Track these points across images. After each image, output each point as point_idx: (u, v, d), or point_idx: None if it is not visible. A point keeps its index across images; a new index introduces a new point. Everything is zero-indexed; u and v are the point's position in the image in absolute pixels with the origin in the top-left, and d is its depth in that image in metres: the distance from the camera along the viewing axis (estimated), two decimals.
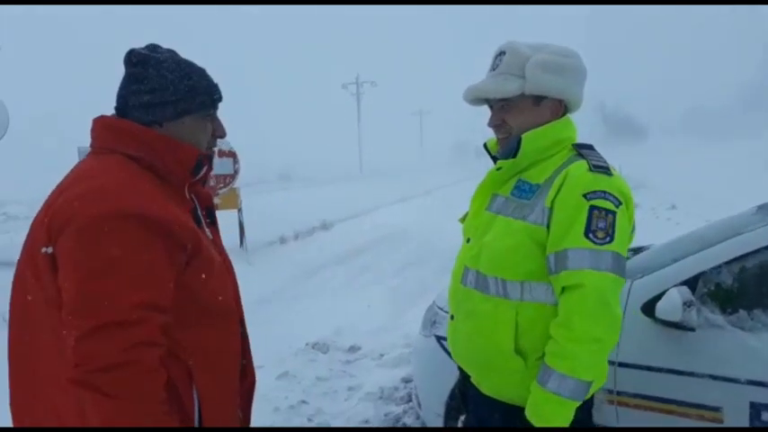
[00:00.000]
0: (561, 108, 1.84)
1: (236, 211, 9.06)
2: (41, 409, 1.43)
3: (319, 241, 10.10)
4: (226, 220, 9.52)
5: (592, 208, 1.65)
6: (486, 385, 1.90)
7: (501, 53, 1.85)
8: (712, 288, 2.51)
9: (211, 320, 1.50)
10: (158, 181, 1.47)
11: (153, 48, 1.54)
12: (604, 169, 1.72)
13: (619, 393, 2.53)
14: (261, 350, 4.84)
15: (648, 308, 2.51)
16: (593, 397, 1.89)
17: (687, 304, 2.34)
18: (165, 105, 1.49)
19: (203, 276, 1.48)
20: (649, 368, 2.48)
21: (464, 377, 2.07)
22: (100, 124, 1.51)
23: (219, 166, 8.85)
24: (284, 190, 21.62)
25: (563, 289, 1.67)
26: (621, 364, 2.52)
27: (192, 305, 1.42)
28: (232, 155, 8.93)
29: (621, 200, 1.69)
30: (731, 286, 2.49)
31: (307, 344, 5.04)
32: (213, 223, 1.69)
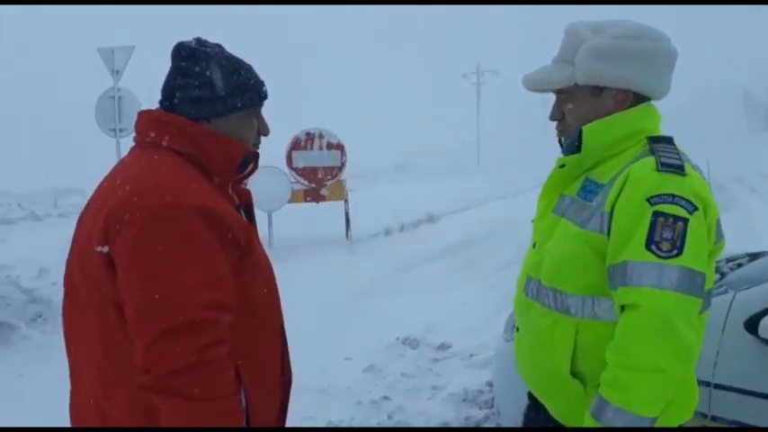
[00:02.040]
0: (628, 98, 1.56)
1: (342, 202, 9.25)
2: (86, 408, 1.45)
3: (424, 234, 10.05)
4: (333, 211, 9.76)
5: (656, 214, 1.40)
6: (549, 407, 1.72)
7: (565, 34, 1.63)
8: None
9: (257, 320, 1.49)
10: (205, 177, 1.46)
11: (201, 42, 1.53)
12: (676, 168, 1.45)
13: (714, 419, 2.27)
14: (351, 342, 4.96)
15: (752, 324, 2.22)
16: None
17: None
18: (214, 101, 1.47)
19: (253, 274, 1.47)
20: (750, 393, 2.19)
21: None
22: (146, 118, 1.50)
23: (327, 158, 9.07)
24: (397, 182, 21.81)
25: (622, 308, 1.45)
26: (718, 386, 2.26)
27: (242, 304, 1.40)
28: (340, 147, 9.13)
29: (697, 204, 1.42)
30: None
31: (397, 338, 5.02)
32: (252, 222, 1.66)
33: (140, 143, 1.51)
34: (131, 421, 1.35)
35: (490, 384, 4.02)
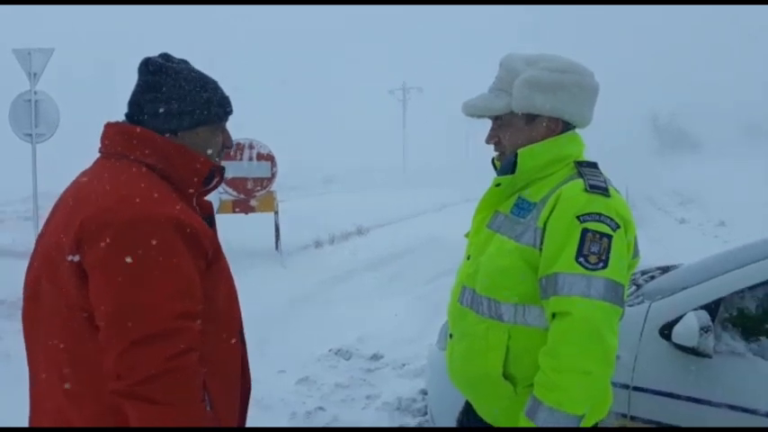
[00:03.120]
0: (558, 126, 1.74)
1: (272, 213, 9.18)
2: (45, 414, 1.45)
3: (354, 247, 10.12)
4: (262, 222, 9.63)
5: (585, 231, 1.55)
6: (481, 410, 1.85)
7: (500, 66, 1.80)
8: (734, 313, 2.41)
9: (221, 327, 1.52)
10: (172, 189, 1.50)
11: (168, 57, 1.57)
12: (602, 190, 1.62)
13: (632, 418, 2.45)
14: (285, 354, 4.95)
15: (666, 331, 2.42)
16: (596, 426, 1.80)
17: (704, 330, 2.25)
18: (181, 115, 1.51)
19: (218, 283, 1.52)
20: (665, 394, 2.39)
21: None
22: (114, 130, 1.52)
23: (257, 168, 8.99)
24: (326, 194, 21.81)
25: (553, 315, 1.58)
26: (636, 388, 2.44)
27: (207, 312, 1.43)
28: (270, 158, 9.06)
29: (619, 223, 1.60)
30: (754, 312, 2.38)
31: (330, 350, 5.06)
32: (214, 232, 1.71)
33: (106, 154, 1.53)
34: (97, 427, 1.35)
35: (423, 392, 4.13)
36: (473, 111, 1.79)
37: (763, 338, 2.32)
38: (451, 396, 3.01)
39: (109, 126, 1.54)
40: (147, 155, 1.47)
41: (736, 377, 2.28)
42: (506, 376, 1.68)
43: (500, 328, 1.68)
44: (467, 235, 1.96)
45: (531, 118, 1.74)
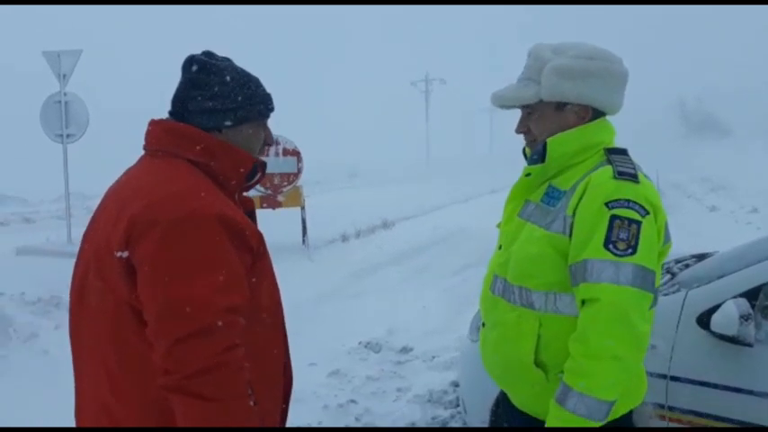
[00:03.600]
0: (588, 113, 1.74)
1: (299, 208, 9.23)
2: (91, 410, 1.47)
3: (380, 240, 10.13)
4: (289, 217, 9.68)
5: (613, 217, 1.55)
6: (514, 398, 1.86)
7: (529, 56, 1.79)
8: None
9: (264, 323, 1.54)
10: (217, 185, 1.51)
11: (211, 54, 1.58)
12: (630, 176, 1.62)
13: (671, 408, 2.42)
14: (315, 347, 4.98)
15: (704, 320, 2.38)
16: (631, 413, 1.79)
17: (744, 318, 2.21)
18: (226, 112, 1.52)
19: (263, 279, 1.53)
20: (704, 384, 2.35)
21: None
22: (161, 128, 1.53)
23: (283, 164, 9.04)
24: (351, 188, 21.86)
25: (582, 302, 1.60)
26: (674, 378, 2.41)
27: (252, 307, 1.45)
28: (296, 153, 9.10)
29: (649, 209, 1.59)
30: None
31: (360, 342, 5.08)
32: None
33: (151, 152, 1.54)
34: (142, 424, 1.37)
35: (455, 384, 4.13)
36: (502, 101, 1.79)
37: None
38: (484, 387, 3.00)
39: (154, 123, 1.55)
40: (193, 152, 1.48)
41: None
42: (538, 364, 1.70)
43: (531, 315, 1.69)
44: (498, 225, 1.97)
45: (560, 106, 1.73)
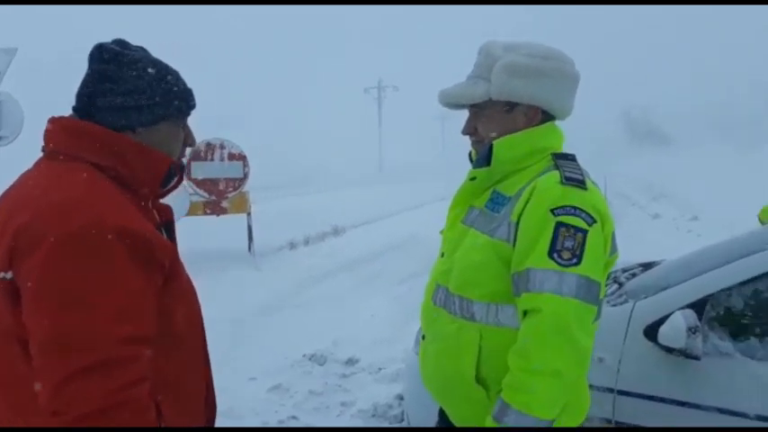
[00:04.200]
0: (538, 115, 1.65)
1: (245, 215, 8.97)
2: None
3: (330, 247, 9.95)
4: (235, 224, 9.41)
5: (559, 225, 1.48)
6: (453, 414, 1.76)
7: (479, 53, 1.69)
8: (721, 312, 2.31)
9: (181, 346, 1.37)
10: (126, 193, 1.33)
11: (124, 44, 1.39)
12: (578, 182, 1.54)
13: (618, 423, 2.34)
14: (256, 361, 4.77)
15: (651, 332, 2.32)
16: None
17: (692, 330, 2.14)
18: (140, 109, 1.35)
19: (177, 298, 1.36)
20: (651, 397, 2.28)
21: None
22: (60, 126, 1.33)
23: (229, 169, 8.77)
24: (301, 194, 21.56)
25: (524, 313, 1.51)
26: (621, 392, 2.33)
27: (164, 333, 1.28)
28: (242, 158, 8.84)
29: (596, 217, 1.51)
30: (742, 311, 2.28)
31: (304, 355, 4.89)
32: (173, 240, 1.53)
33: (50, 154, 1.34)
34: None
35: (400, 398, 3.99)
36: (449, 99, 1.69)
37: (752, 338, 2.23)
38: (429, 402, 2.88)
39: (53, 121, 1.35)
40: (97, 154, 1.30)
41: (724, 379, 2.18)
42: (479, 380, 1.60)
43: (472, 327, 1.61)
44: (442, 231, 1.87)
45: (510, 106, 1.64)
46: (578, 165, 1.63)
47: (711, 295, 2.30)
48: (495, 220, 1.61)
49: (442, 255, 1.78)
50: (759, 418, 2.08)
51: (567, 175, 1.55)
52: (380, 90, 53.53)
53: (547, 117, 1.67)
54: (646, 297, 2.48)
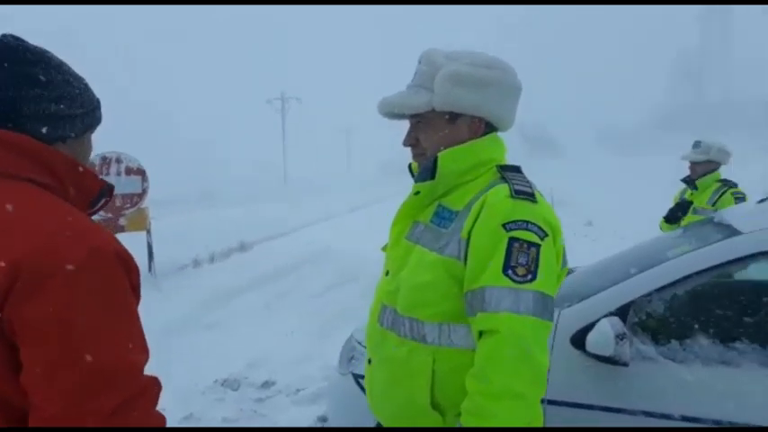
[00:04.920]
0: (481, 127, 1.60)
1: (144, 232, 8.46)
2: None
3: (237, 264, 9.57)
4: (133, 243, 8.85)
5: (512, 240, 1.43)
6: None
7: (419, 61, 1.62)
8: (643, 318, 2.35)
9: None
10: None
11: (24, 41, 1.20)
12: (528, 195, 1.49)
13: None
14: (164, 390, 4.42)
15: (578, 340, 2.33)
16: None
17: (620, 337, 2.16)
18: (73, 119, 1.21)
19: None
20: (580, 406, 2.29)
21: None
22: None
23: (126, 184, 8.25)
24: (203, 209, 20.78)
25: (480, 333, 1.45)
26: (551, 402, 2.32)
27: None
28: (141, 172, 8.35)
29: (547, 230, 1.47)
30: (662, 315, 2.34)
31: (216, 381, 4.61)
32: None
33: None
34: None
35: (322, 419, 3.85)
36: (390, 108, 1.60)
37: (672, 341, 2.28)
38: (357, 423, 2.77)
39: None
40: (37, 171, 1.14)
41: (650, 383, 2.22)
42: (434, 405, 1.52)
43: (423, 350, 1.52)
44: (384, 248, 1.77)
45: (453, 117, 1.58)
46: (525, 177, 1.59)
47: (633, 302, 2.34)
48: (443, 236, 1.53)
49: (387, 273, 1.69)
50: (683, 418, 2.12)
51: (517, 188, 1.50)
52: (284, 101, 52.86)
53: (489, 128, 1.62)
54: (570, 305, 2.49)
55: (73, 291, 1.03)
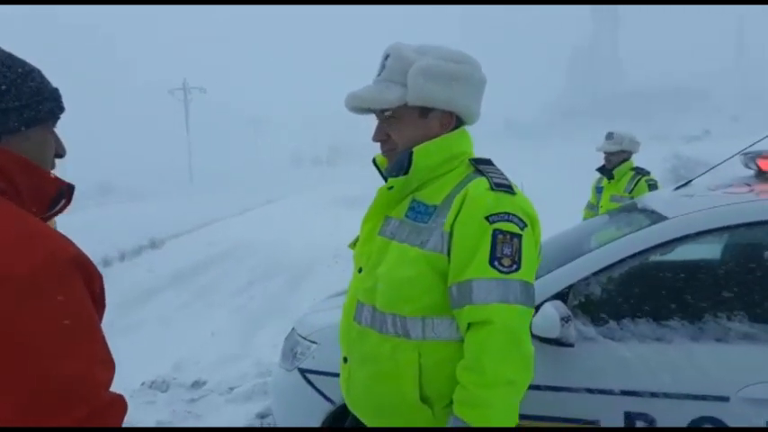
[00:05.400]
0: (452, 121, 1.62)
1: None
2: None
3: (150, 262, 9.19)
4: None
5: (496, 232, 1.46)
6: None
7: (387, 56, 1.60)
8: (582, 300, 2.49)
9: None
10: None
11: None
12: (507, 187, 1.53)
13: None
14: None
15: None
16: None
17: (565, 319, 2.28)
18: (6, 113, 1.11)
19: None
20: (528, 387, 2.39)
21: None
22: None
23: None
24: (105, 205, 19.73)
25: (469, 325, 1.47)
26: None
27: None
28: None
29: (526, 221, 1.52)
30: (600, 297, 2.48)
31: (143, 383, 4.43)
32: None
33: None
34: None
35: (261, 416, 3.79)
36: (360, 103, 1.58)
37: (611, 321, 2.43)
38: (306, 419, 2.76)
39: None
40: None
41: (591, 361, 2.35)
42: (423, 399, 1.53)
43: (408, 346, 1.53)
44: (352, 245, 1.76)
45: (424, 112, 1.59)
46: (499, 169, 1.62)
47: (572, 285, 2.47)
48: (423, 231, 1.54)
49: (360, 270, 1.67)
50: (623, 392, 2.27)
51: (496, 180, 1.53)
52: (186, 91, 50.83)
53: (458, 122, 1.64)
54: None
55: (26, 299, 0.96)
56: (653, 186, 4.45)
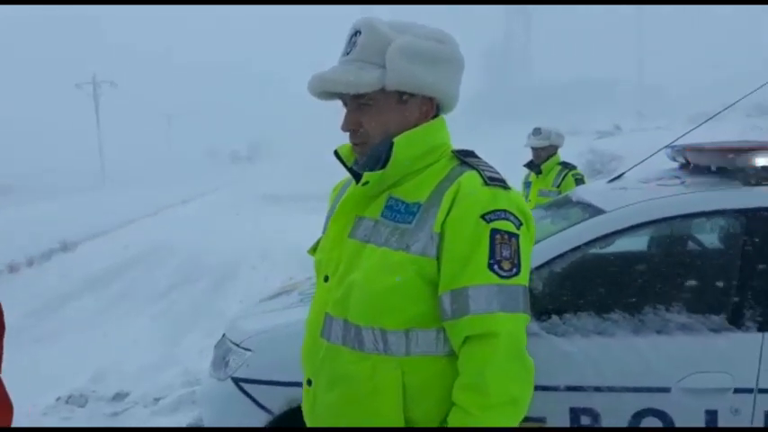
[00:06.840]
0: (432, 108, 1.43)
1: None
2: None
3: (61, 266, 8.61)
4: None
5: (494, 232, 1.30)
6: None
7: (356, 32, 1.38)
8: None
9: None
10: None
11: None
12: (501, 182, 1.37)
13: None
14: None
15: None
16: None
17: None
18: None
19: None
20: None
21: None
22: None
23: None
24: (4, 207, 18.36)
25: (466, 339, 1.30)
26: None
27: None
28: None
29: (522, 219, 1.36)
30: (542, 292, 2.47)
31: (58, 398, 4.10)
32: None
33: None
34: None
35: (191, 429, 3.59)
36: (332, 87, 1.36)
37: (553, 316, 2.42)
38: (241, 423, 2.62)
39: None
40: None
41: (535, 358, 2.34)
42: (408, 422, 1.36)
43: (389, 363, 1.35)
44: (311, 251, 1.57)
45: (402, 97, 1.38)
46: (487, 161, 1.46)
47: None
48: (407, 232, 1.35)
49: (326, 279, 1.46)
50: (568, 388, 2.27)
51: (489, 174, 1.37)
52: (95, 86, 48.26)
53: (437, 110, 1.45)
54: None
55: None
56: (580, 181, 4.56)
